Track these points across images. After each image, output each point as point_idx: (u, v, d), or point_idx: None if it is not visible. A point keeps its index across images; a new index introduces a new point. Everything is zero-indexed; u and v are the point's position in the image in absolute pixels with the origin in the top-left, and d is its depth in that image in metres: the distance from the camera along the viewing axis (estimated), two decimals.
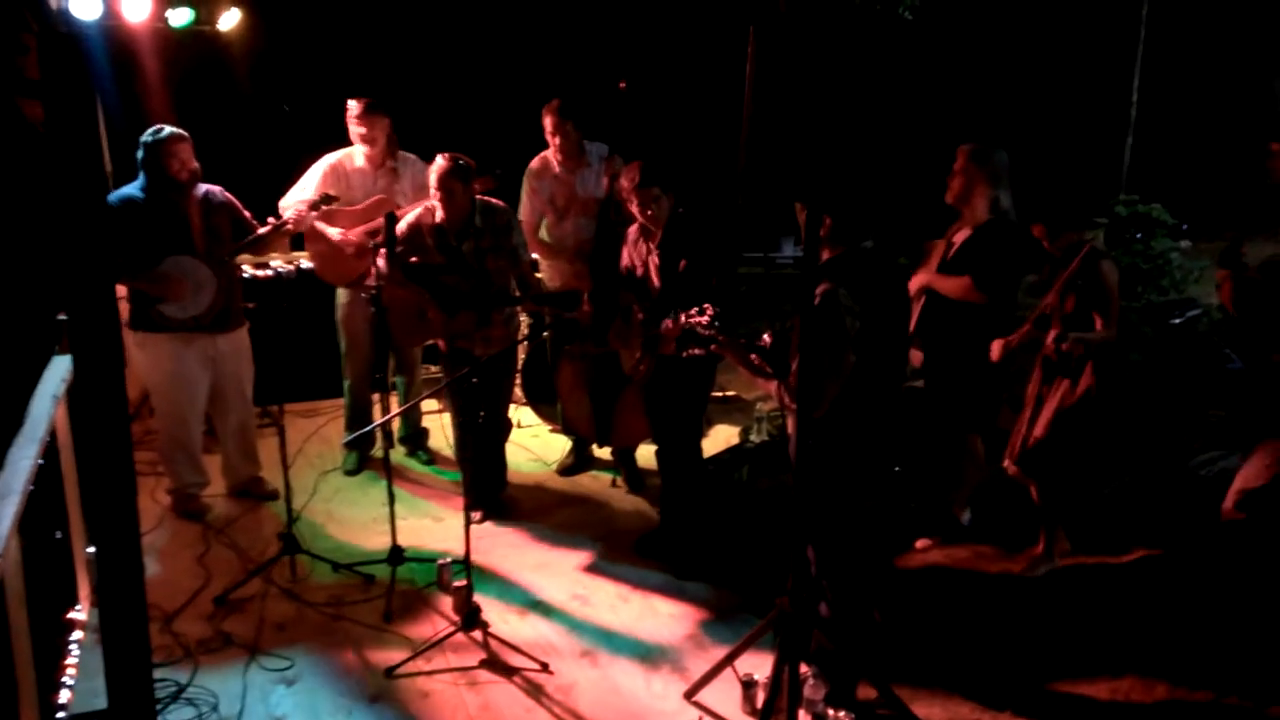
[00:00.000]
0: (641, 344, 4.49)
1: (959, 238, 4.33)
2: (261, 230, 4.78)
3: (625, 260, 4.66)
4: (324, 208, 4.90)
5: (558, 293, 5.23)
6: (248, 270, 5.13)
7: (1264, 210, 4.00)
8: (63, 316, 3.61)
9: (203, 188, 4.71)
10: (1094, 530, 4.55)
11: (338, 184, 5.16)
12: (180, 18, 5.09)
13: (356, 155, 5.23)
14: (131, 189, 4.60)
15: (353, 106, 5.13)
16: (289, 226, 4.85)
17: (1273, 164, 3.76)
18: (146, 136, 4.54)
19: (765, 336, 3.74)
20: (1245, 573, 3.99)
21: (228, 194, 4.84)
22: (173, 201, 4.59)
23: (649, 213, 4.41)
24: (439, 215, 4.61)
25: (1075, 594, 4.18)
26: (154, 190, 4.57)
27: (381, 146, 5.21)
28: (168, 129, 4.55)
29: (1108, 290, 4.02)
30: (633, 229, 4.64)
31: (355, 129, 5.15)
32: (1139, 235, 6.61)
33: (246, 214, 4.87)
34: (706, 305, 3.59)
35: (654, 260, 4.47)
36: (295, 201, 5.08)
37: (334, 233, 5.06)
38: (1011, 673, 3.70)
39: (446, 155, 4.51)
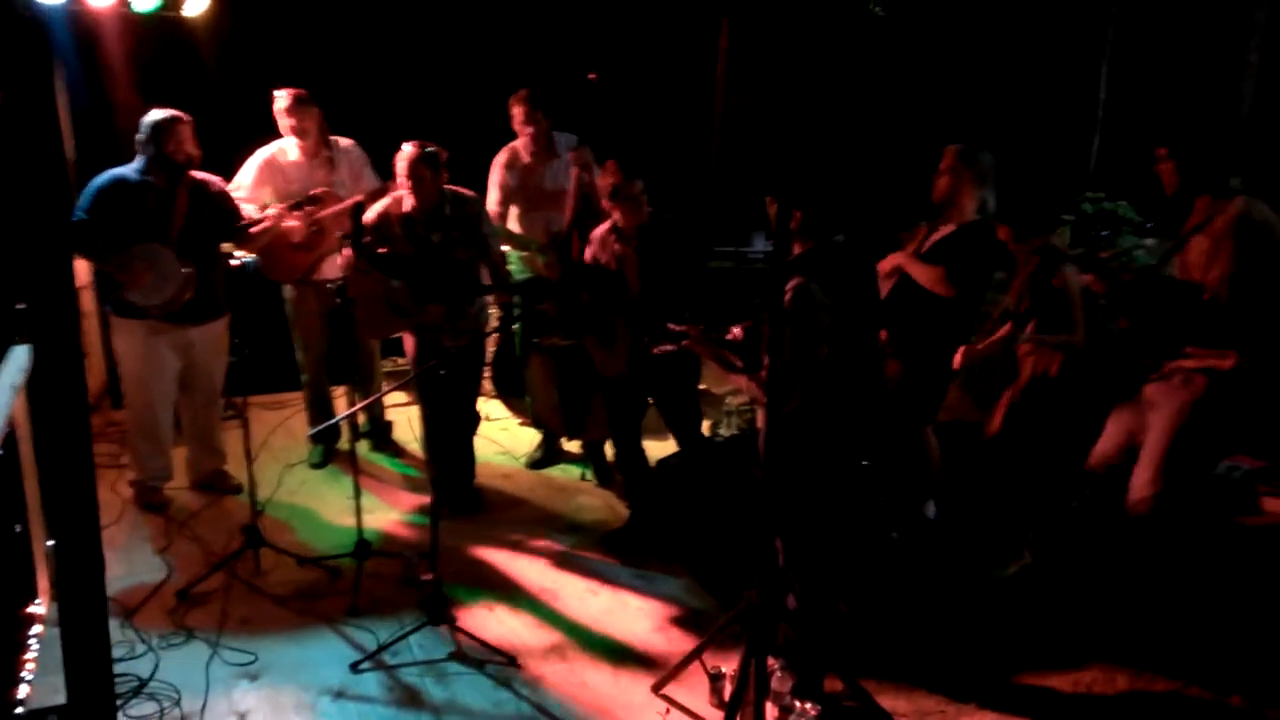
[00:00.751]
0: (626, 348, 4.47)
1: (942, 231, 4.36)
2: (244, 223, 4.76)
3: (590, 259, 4.62)
4: (307, 208, 4.85)
5: (527, 281, 5.20)
6: None
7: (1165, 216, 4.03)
8: (21, 306, 3.54)
9: (200, 175, 4.66)
10: (1062, 528, 4.59)
11: (274, 178, 5.09)
12: (145, 3, 5.00)
13: (290, 148, 5.15)
14: (126, 169, 4.55)
15: (281, 98, 5.03)
16: (268, 224, 4.80)
17: (1160, 169, 3.72)
18: (149, 117, 4.51)
19: (736, 330, 3.75)
20: (1198, 567, 4.05)
21: (224, 186, 4.79)
22: (164, 185, 4.55)
23: (629, 212, 4.36)
24: (407, 204, 4.56)
25: (1040, 587, 4.22)
26: (148, 172, 4.53)
27: (315, 138, 5.12)
28: (170, 111, 4.52)
29: (1070, 297, 4.05)
30: (600, 228, 4.60)
31: (284, 121, 5.06)
32: (1105, 233, 6.67)
33: (236, 208, 4.84)
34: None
35: (631, 262, 4.44)
36: (237, 199, 4.99)
37: (271, 216, 4.91)
38: (976, 665, 3.73)
39: (415, 143, 4.47)
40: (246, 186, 5.07)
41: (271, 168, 5.11)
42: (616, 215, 4.43)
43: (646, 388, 4.55)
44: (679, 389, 4.60)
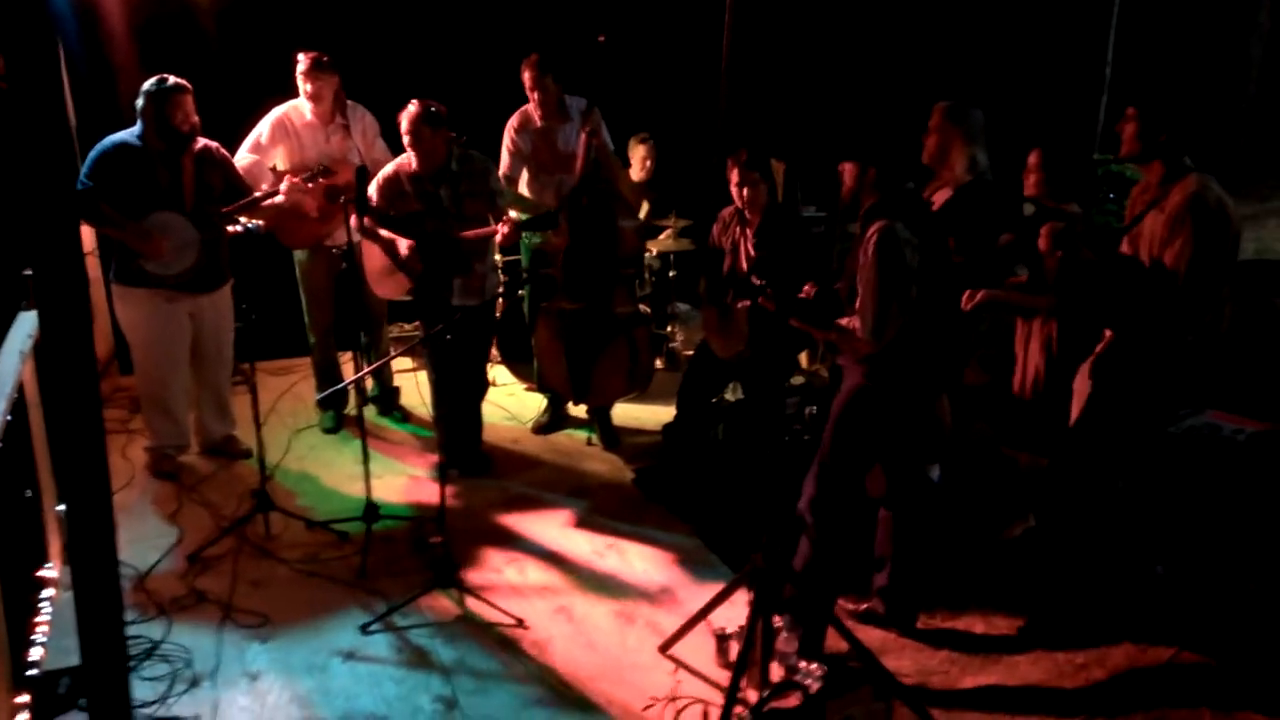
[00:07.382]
0: (743, 330, 4.54)
1: (939, 197, 4.32)
2: (257, 194, 4.74)
3: (714, 240, 4.73)
4: (321, 180, 4.83)
5: (536, 216, 5.04)
6: None
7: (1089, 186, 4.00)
8: (29, 272, 3.54)
9: (201, 142, 4.64)
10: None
11: (286, 139, 5.04)
12: None
13: (305, 109, 5.08)
14: (127, 135, 4.51)
15: (301, 61, 4.98)
16: (280, 200, 4.78)
17: (1122, 129, 3.65)
18: (149, 85, 4.46)
19: (807, 288, 3.78)
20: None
21: (224, 151, 4.77)
22: (169, 153, 4.53)
23: (745, 195, 4.46)
24: (415, 163, 4.57)
25: (1049, 548, 4.23)
26: (151, 140, 4.50)
27: (329, 104, 5.04)
28: (171, 79, 4.47)
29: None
30: (727, 210, 4.69)
31: (301, 85, 5.00)
32: (1112, 195, 6.64)
33: (239, 172, 4.82)
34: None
35: (747, 248, 4.53)
36: (248, 156, 4.97)
37: (285, 190, 4.87)
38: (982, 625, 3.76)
39: (418, 101, 4.47)
40: (258, 145, 5.03)
41: (284, 128, 5.05)
42: (735, 197, 4.54)
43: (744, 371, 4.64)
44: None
